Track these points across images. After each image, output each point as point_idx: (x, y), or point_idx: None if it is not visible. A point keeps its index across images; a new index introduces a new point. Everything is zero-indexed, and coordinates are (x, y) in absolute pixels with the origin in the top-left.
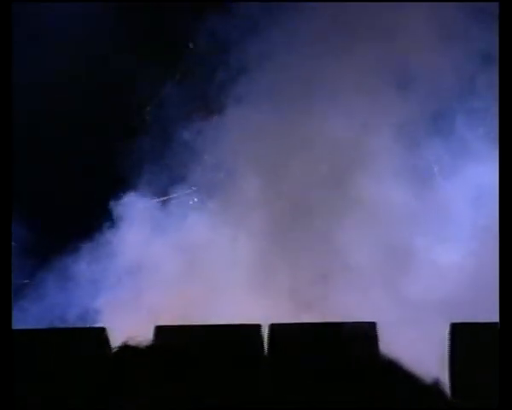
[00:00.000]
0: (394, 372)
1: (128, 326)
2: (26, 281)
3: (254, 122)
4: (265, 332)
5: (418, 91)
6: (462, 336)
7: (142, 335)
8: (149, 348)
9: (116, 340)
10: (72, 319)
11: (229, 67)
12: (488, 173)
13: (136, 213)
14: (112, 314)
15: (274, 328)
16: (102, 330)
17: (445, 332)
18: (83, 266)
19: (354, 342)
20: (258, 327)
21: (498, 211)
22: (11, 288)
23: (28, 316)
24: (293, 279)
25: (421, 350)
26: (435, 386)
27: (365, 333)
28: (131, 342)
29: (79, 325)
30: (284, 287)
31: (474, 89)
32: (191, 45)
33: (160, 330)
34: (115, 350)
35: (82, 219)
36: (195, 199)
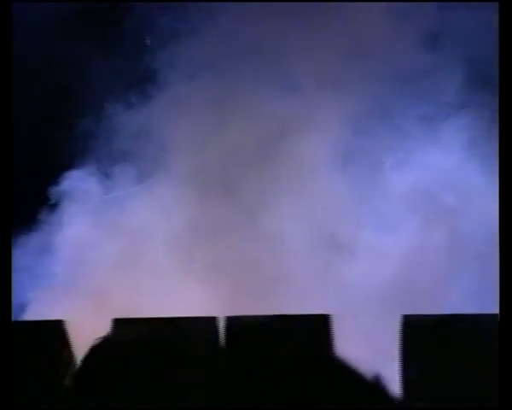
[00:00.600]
0: (343, 368)
1: (71, 316)
2: None
3: (189, 97)
4: (221, 325)
5: (369, 75)
6: (414, 328)
7: (100, 329)
8: (106, 343)
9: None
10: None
11: (162, 42)
12: (433, 161)
13: (75, 196)
14: (51, 304)
15: (229, 320)
16: (60, 322)
17: (393, 324)
18: (19, 254)
19: (310, 335)
20: (213, 320)
21: (499, 209)
22: (11, 284)
23: None
24: (226, 264)
25: (368, 344)
26: (379, 384)
27: (321, 326)
28: (97, 338)
29: (17, 316)
30: (217, 271)
31: (425, 74)
32: (148, 42)
33: (116, 323)
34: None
35: (19, 204)
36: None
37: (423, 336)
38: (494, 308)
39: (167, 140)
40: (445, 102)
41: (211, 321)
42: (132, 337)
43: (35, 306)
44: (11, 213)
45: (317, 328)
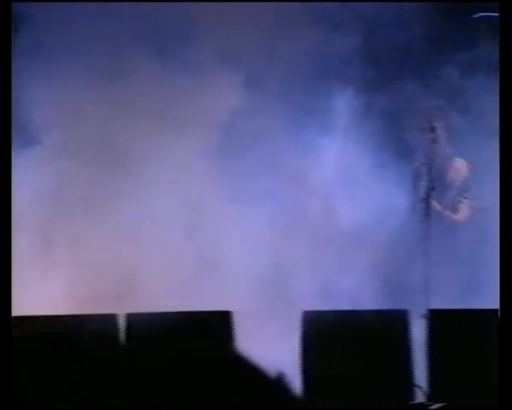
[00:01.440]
0: (243, 366)
1: None
2: None
3: (68, 65)
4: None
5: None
6: (313, 324)
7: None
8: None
9: None
10: None
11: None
12: (318, 143)
13: None
14: None
15: (130, 317)
16: None
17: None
18: None
19: (211, 331)
20: (114, 317)
21: (499, 209)
22: (10, 279)
23: None
24: (91, 256)
25: (268, 341)
26: (281, 381)
27: (222, 323)
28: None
29: None
30: (82, 267)
31: (316, 52)
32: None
33: (17, 320)
34: None
35: None
36: None
37: (324, 331)
38: (376, 301)
39: (40, 112)
40: (331, 83)
41: (111, 318)
42: (34, 334)
43: None
44: (11, 212)
45: (217, 325)
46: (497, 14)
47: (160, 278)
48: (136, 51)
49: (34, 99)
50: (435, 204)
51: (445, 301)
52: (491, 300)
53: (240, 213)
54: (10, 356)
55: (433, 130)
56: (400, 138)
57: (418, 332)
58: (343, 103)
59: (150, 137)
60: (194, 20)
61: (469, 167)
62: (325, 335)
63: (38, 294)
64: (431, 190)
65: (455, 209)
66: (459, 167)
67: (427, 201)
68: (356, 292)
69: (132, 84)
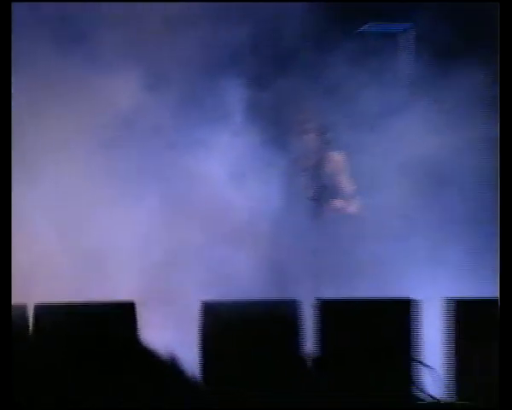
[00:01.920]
0: (148, 356)
1: None
2: None
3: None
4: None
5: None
6: (214, 314)
7: None
8: None
9: None
10: None
11: None
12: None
13: None
14: None
15: (37, 308)
16: None
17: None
18: None
19: (115, 321)
20: (23, 307)
21: (499, 207)
22: (10, 278)
23: None
24: None
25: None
26: (178, 372)
27: (124, 313)
28: None
29: None
30: None
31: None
32: None
33: None
34: None
35: None
36: None
37: (221, 320)
38: (267, 291)
39: None
40: (224, 78)
41: (21, 308)
42: None
43: None
44: (11, 214)
45: (120, 314)
46: (386, 25)
47: (43, 271)
48: (35, 39)
49: None
50: (322, 199)
51: (332, 291)
52: (371, 289)
53: (130, 207)
54: (10, 356)
55: (318, 127)
56: (287, 134)
57: (308, 321)
58: (235, 99)
59: (42, 127)
60: (95, 14)
61: (348, 163)
62: (220, 324)
63: None
64: (319, 187)
65: (338, 204)
66: (340, 164)
67: (314, 197)
68: (247, 282)
69: (29, 71)
